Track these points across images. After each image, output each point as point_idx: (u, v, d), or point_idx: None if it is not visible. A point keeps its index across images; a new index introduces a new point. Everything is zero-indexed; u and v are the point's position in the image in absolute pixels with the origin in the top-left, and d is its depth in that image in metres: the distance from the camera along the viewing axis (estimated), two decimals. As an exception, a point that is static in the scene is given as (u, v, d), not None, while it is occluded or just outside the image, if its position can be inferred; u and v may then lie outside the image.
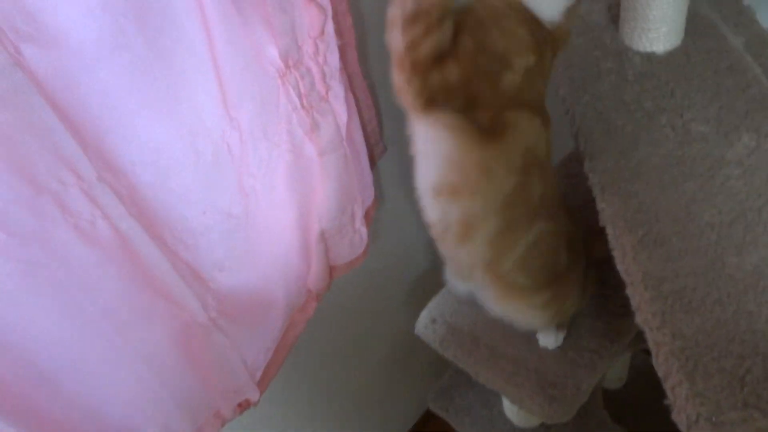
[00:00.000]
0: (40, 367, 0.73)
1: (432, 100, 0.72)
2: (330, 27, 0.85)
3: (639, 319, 0.74)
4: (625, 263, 0.78)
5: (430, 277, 1.54)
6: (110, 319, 0.76)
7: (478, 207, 0.80)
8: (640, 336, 1.12)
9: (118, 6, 0.64)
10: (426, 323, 1.21)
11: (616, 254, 0.80)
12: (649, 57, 0.96)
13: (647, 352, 1.52)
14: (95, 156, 0.67)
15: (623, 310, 1.11)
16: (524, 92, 0.75)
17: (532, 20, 0.74)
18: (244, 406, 0.99)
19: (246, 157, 0.85)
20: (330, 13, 0.83)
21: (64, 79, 0.63)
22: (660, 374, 0.69)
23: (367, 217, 1.13)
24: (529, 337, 1.12)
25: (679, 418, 0.65)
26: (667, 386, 0.68)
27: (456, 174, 0.79)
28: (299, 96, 0.86)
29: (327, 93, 0.90)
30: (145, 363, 0.83)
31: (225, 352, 0.89)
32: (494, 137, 0.75)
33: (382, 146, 1.20)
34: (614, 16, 1.03)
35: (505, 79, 0.73)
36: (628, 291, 0.77)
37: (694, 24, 0.99)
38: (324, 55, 0.86)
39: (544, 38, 0.75)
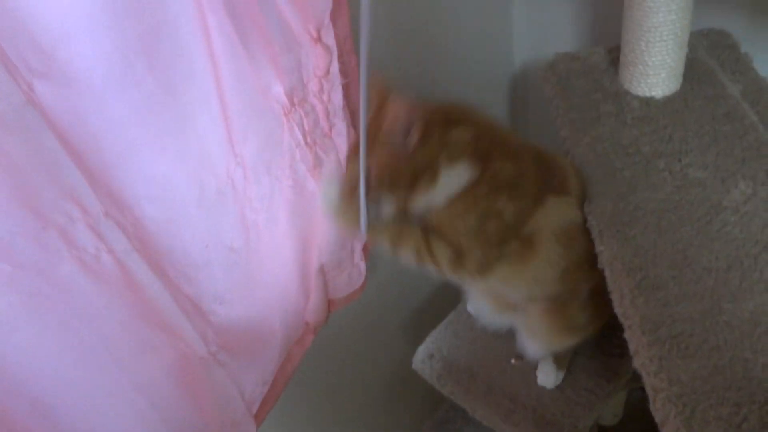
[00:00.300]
0: (39, 397, 0.73)
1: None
2: (335, 67, 0.86)
3: (637, 363, 0.74)
4: (623, 306, 0.78)
5: (427, 312, 1.54)
6: (110, 351, 0.77)
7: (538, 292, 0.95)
8: (636, 375, 1.13)
9: (129, 43, 0.65)
10: (423, 358, 1.21)
11: (614, 297, 0.81)
12: (648, 101, 0.98)
13: (644, 390, 1.52)
14: (102, 190, 0.68)
15: (620, 350, 1.12)
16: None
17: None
18: (240, 440, 0.98)
19: (249, 192, 0.86)
20: (336, 53, 0.85)
21: (75, 114, 0.64)
22: (657, 420, 0.69)
23: (366, 251, 1.14)
24: (527, 374, 1.12)
25: (675, 465, 0.66)
26: (663, 432, 0.68)
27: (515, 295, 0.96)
28: (303, 133, 0.87)
29: (330, 130, 0.91)
30: (143, 395, 0.83)
31: (223, 385, 0.90)
32: (530, 254, 0.87)
33: (383, 180, 1.22)
34: (614, 59, 1.05)
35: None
36: (626, 335, 0.77)
37: (693, 70, 1.01)
38: (328, 94, 0.88)
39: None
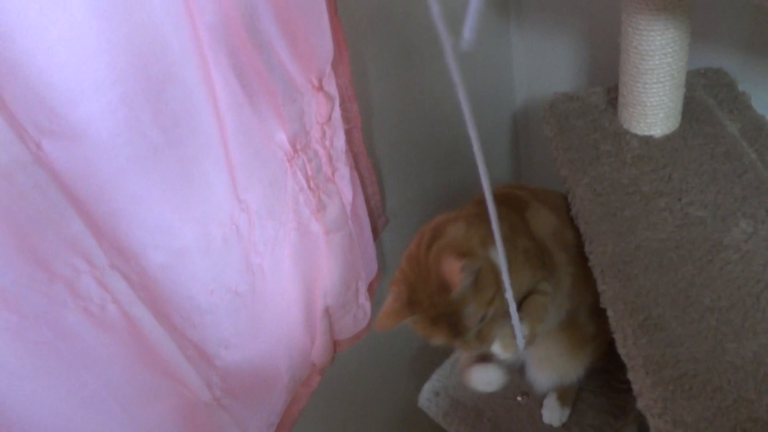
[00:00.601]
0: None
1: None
2: (337, 113, 0.88)
3: (641, 404, 0.74)
4: (626, 347, 0.78)
5: (433, 349, 1.54)
6: (115, 397, 0.77)
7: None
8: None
9: (136, 97, 0.67)
10: (429, 396, 1.20)
11: (617, 337, 0.81)
12: (647, 140, 0.99)
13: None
14: (108, 242, 0.69)
15: (626, 386, 1.11)
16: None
17: None
18: (247, 484, 0.98)
19: (253, 236, 0.87)
20: (337, 100, 0.87)
21: (81, 168, 0.66)
22: (662, 463, 0.69)
23: (371, 290, 1.14)
24: (533, 412, 1.12)
25: None
26: (670, 476, 0.67)
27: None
28: (306, 178, 0.89)
29: (333, 174, 0.93)
30: (148, 439, 0.83)
31: (228, 430, 0.90)
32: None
33: (385, 218, 1.23)
34: (612, 99, 1.06)
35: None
36: (630, 376, 0.77)
37: (691, 108, 1.02)
38: (331, 140, 0.90)
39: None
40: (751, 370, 0.71)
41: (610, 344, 0.98)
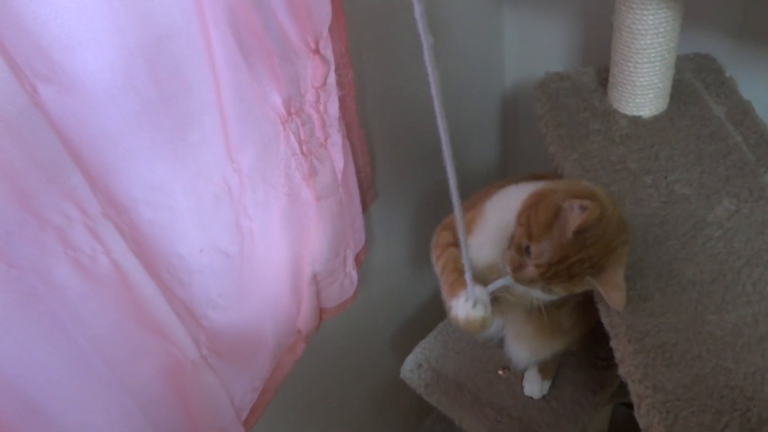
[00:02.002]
0: (29, 396, 0.73)
1: None
2: (332, 78, 0.88)
3: (622, 371, 0.76)
4: (610, 316, 0.80)
5: (417, 321, 1.56)
6: (102, 353, 0.77)
7: None
8: (621, 389, 1.15)
9: (132, 53, 0.67)
10: (412, 368, 1.22)
11: (601, 307, 0.82)
12: (636, 120, 1.01)
13: (628, 406, 1.53)
14: (101, 192, 0.69)
15: (605, 363, 1.13)
16: None
17: None
18: (228, 446, 0.99)
19: (244, 199, 0.88)
20: (333, 65, 0.87)
21: (76, 118, 0.66)
22: (642, 426, 0.71)
23: (358, 260, 1.15)
24: (514, 386, 1.14)
25: (659, 471, 0.67)
26: (648, 439, 0.69)
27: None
28: (299, 142, 0.89)
29: (326, 140, 0.93)
30: (133, 398, 0.83)
31: (214, 390, 0.90)
32: None
33: (374, 192, 1.23)
34: (603, 79, 1.08)
35: None
36: (612, 343, 0.79)
37: (679, 91, 1.04)
38: (325, 105, 0.90)
39: None
40: (729, 340, 0.73)
41: (590, 324, 1.01)
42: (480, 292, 0.86)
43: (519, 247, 0.79)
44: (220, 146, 0.81)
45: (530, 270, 0.79)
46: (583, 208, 0.74)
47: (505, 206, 0.86)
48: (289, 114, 0.86)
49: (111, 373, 0.80)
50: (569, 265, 0.76)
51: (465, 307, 0.86)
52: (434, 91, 0.60)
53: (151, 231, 0.78)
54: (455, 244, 0.93)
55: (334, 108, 0.91)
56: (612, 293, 0.77)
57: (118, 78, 0.67)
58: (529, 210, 0.79)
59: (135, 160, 0.73)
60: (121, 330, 0.78)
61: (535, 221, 0.78)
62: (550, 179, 0.98)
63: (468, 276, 0.83)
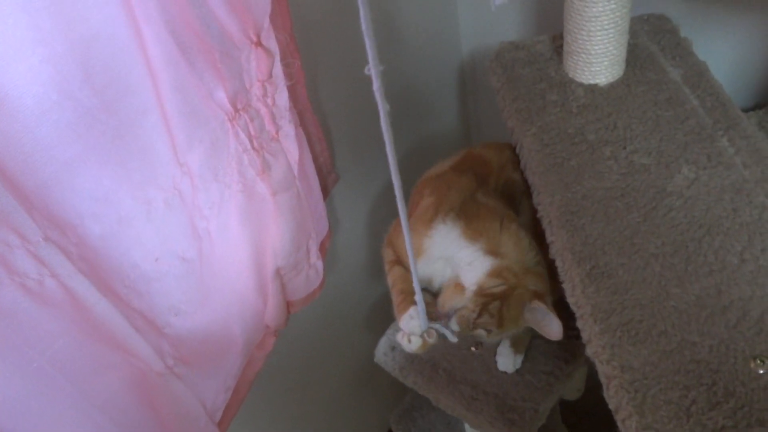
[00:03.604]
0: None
1: None
2: (278, 69, 0.85)
3: (589, 351, 0.76)
4: (575, 296, 0.80)
5: (388, 303, 1.55)
6: (64, 372, 0.75)
7: None
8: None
9: (62, 60, 0.63)
10: (385, 351, 1.21)
11: (566, 287, 0.82)
12: (592, 89, 0.99)
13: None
14: (40, 213, 0.66)
15: (577, 332, 1.14)
16: None
17: None
18: (204, 449, 0.98)
19: (197, 200, 0.85)
20: (278, 56, 0.84)
21: (5, 136, 0.62)
22: (611, 407, 0.71)
23: (322, 249, 1.13)
24: (487, 361, 1.14)
25: (631, 450, 0.67)
26: (618, 418, 0.69)
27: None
28: (249, 138, 0.86)
29: (277, 133, 0.90)
30: (102, 412, 0.81)
31: (183, 398, 0.88)
32: None
33: (335, 175, 1.21)
34: (558, 47, 1.06)
35: None
36: (579, 324, 0.79)
37: (635, 55, 1.02)
38: (273, 97, 0.87)
39: None
40: (693, 313, 0.73)
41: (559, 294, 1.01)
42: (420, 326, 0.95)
43: (477, 325, 0.92)
44: (165, 149, 0.78)
45: (481, 333, 0.93)
46: (551, 318, 0.89)
47: (446, 239, 0.96)
48: (236, 110, 0.83)
49: (76, 390, 0.77)
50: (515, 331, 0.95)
51: (409, 328, 0.96)
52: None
53: (102, 245, 0.75)
54: (398, 262, 1.03)
55: (283, 99, 0.88)
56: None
57: (48, 87, 0.64)
58: (500, 302, 0.90)
59: (76, 173, 0.69)
60: (81, 347, 0.75)
61: (508, 317, 0.91)
62: (482, 154, 1.06)
63: (421, 309, 0.93)
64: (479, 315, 0.90)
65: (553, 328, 0.90)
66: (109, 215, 0.74)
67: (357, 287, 1.46)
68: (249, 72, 0.82)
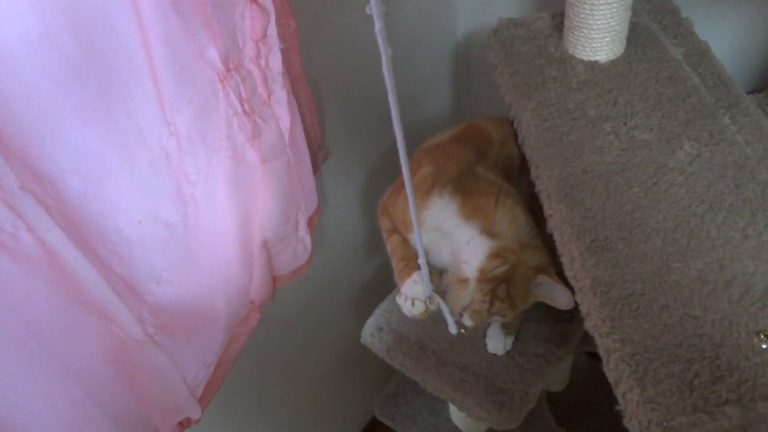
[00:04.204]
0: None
1: None
2: (272, 29, 0.82)
3: (589, 324, 0.74)
4: (573, 270, 0.78)
5: (376, 282, 1.52)
6: (38, 337, 0.71)
7: None
8: (584, 339, 1.14)
9: (47, 7, 0.60)
10: (372, 331, 1.18)
11: (565, 261, 0.80)
12: (593, 65, 0.97)
13: (589, 355, 1.55)
14: (18, 163, 0.62)
15: (568, 314, 1.12)
16: None
17: None
18: (185, 425, 0.94)
19: (184, 164, 0.81)
20: (273, 15, 0.80)
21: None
22: (611, 380, 0.69)
23: (311, 224, 1.10)
24: (477, 343, 1.12)
25: (630, 423, 0.65)
26: (618, 392, 0.67)
27: None
28: (240, 100, 0.83)
29: (269, 98, 0.87)
30: (76, 382, 0.78)
31: (163, 369, 0.85)
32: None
33: (325, 151, 1.18)
34: (558, 24, 1.04)
35: None
36: (577, 297, 0.77)
37: (636, 34, 1.01)
38: (266, 59, 0.83)
39: None
40: (696, 287, 0.71)
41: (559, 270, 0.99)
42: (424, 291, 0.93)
43: (492, 314, 0.91)
44: (153, 107, 0.75)
45: (497, 319, 0.95)
46: (560, 288, 0.87)
47: (443, 214, 0.94)
48: (228, 70, 0.80)
49: (49, 357, 0.74)
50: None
51: (413, 293, 0.94)
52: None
53: (82, 202, 0.71)
54: (395, 230, 1.01)
55: (276, 62, 0.85)
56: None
57: (33, 35, 0.60)
58: (505, 284, 0.89)
59: (58, 126, 0.66)
60: (57, 311, 0.72)
61: (518, 297, 0.90)
62: (484, 127, 1.05)
63: (425, 273, 0.90)
64: (491, 304, 0.89)
65: (562, 298, 0.88)
66: (91, 171, 0.70)
67: (345, 268, 1.43)
68: (243, 30, 0.79)
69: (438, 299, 0.93)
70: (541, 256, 0.91)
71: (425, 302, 0.92)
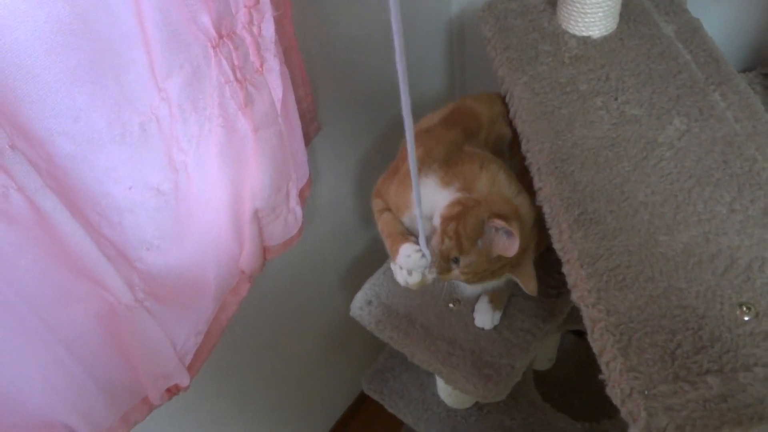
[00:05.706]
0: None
1: None
2: (266, -4, 0.81)
3: (575, 296, 0.75)
4: (561, 241, 0.78)
5: (366, 259, 1.53)
6: (26, 300, 0.71)
7: None
8: (570, 316, 1.15)
9: None
10: (361, 305, 1.19)
11: (553, 233, 0.80)
12: (585, 41, 0.97)
13: (575, 334, 1.56)
14: (8, 122, 0.62)
15: (555, 291, 1.13)
16: None
17: None
18: (173, 392, 0.95)
19: (176, 131, 0.81)
20: (266, -20, 0.80)
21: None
22: (595, 350, 0.70)
23: (302, 196, 1.10)
24: (465, 317, 1.13)
25: (613, 392, 0.66)
26: (601, 361, 0.68)
27: None
28: (232, 68, 0.82)
29: (261, 66, 0.86)
30: (65, 347, 0.78)
31: (153, 336, 0.85)
32: None
33: (317, 125, 1.18)
34: (551, 0, 1.03)
35: None
36: (565, 269, 0.78)
37: (629, 10, 1.01)
38: (259, 26, 0.83)
39: None
40: (681, 260, 0.72)
41: (540, 250, 0.99)
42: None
43: (446, 257, 0.89)
44: (144, 71, 0.74)
45: (456, 274, 0.90)
46: (509, 235, 0.83)
47: (428, 190, 0.92)
48: (221, 36, 0.79)
49: (38, 321, 0.74)
50: (492, 270, 0.90)
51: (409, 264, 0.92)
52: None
53: (72, 166, 0.71)
54: (388, 209, 1.01)
55: (269, 30, 0.85)
56: (527, 283, 0.92)
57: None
58: (456, 222, 0.87)
59: (47, 87, 0.65)
60: (47, 275, 0.72)
61: (465, 236, 0.86)
62: (473, 107, 1.05)
63: (422, 244, 0.89)
64: (441, 242, 0.88)
65: (509, 243, 0.84)
66: (81, 135, 0.70)
67: (335, 243, 1.43)
68: (235, -5, 0.79)
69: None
70: (507, 208, 0.88)
71: (423, 272, 0.92)
